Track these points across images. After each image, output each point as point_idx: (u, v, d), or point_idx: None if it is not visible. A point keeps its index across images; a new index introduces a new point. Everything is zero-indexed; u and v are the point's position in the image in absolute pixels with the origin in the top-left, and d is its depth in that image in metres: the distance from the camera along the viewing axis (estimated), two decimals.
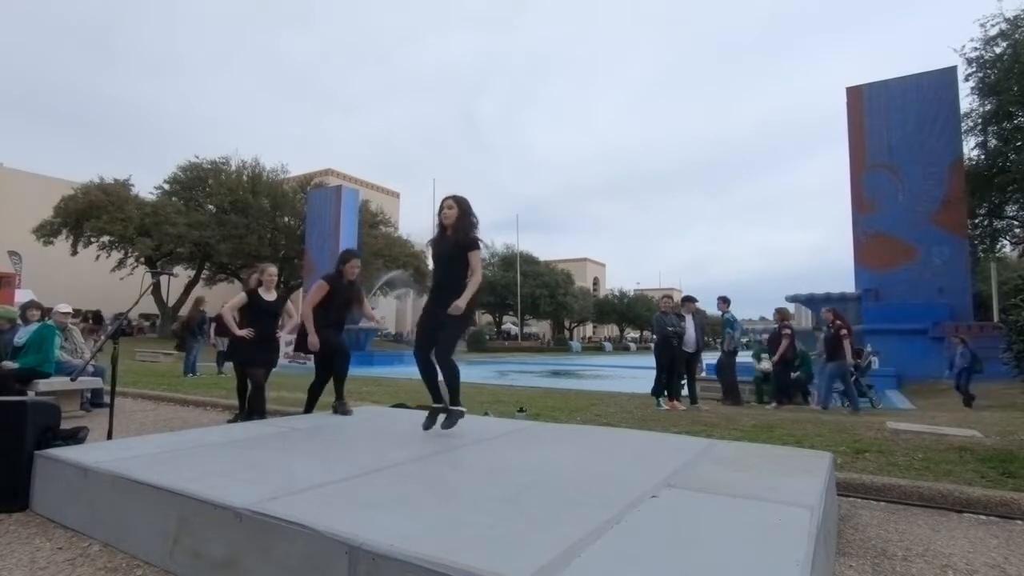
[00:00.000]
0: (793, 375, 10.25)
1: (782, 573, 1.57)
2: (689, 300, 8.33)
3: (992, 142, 17.71)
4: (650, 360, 8.61)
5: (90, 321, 29.80)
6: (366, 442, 3.60)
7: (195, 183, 34.41)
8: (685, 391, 8.23)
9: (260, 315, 5.12)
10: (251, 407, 5.14)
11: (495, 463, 3.01)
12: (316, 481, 2.45)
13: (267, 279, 5.22)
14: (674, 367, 7.66)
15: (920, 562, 2.47)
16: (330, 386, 4.93)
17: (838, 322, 7.94)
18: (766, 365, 10.48)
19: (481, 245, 3.85)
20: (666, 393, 7.57)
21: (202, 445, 3.29)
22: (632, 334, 73.68)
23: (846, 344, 7.70)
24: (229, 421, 5.68)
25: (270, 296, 5.23)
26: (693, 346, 7.95)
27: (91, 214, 29.57)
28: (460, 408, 3.79)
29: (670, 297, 8.45)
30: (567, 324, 62.24)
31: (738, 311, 8.62)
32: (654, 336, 8.10)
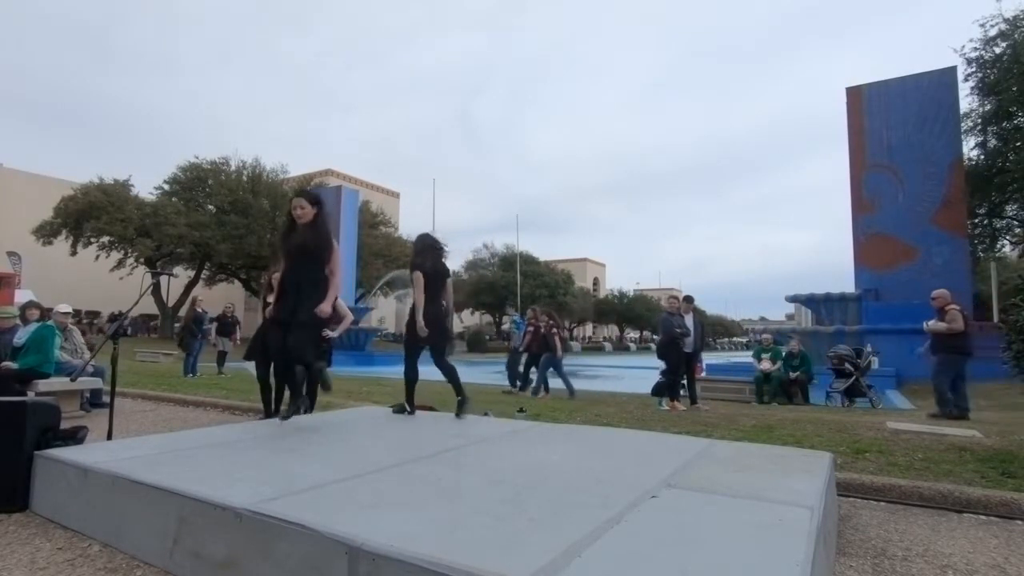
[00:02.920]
0: (792, 375, 10.33)
1: (782, 573, 1.57)
2: (688, 300, 8.38)
3: (992, 142, 17.75)
4: (650, 360, 8.64)
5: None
6: (366, 442, 3.60)
7: (195, 183, 34.33)
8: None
9: None
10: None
11: (495, 463, 3.00)
12: (316, 481, 2.45)
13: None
14: (678, 368, 7.69)
15: (920, 562, 2.47)
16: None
17: (551, 322, 9.85)
18: (766, 365, 10.53)
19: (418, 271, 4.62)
20: (667, 394, 7.60)
21: (202, 445, 3.29)
22: (632, 334, 73.64)
23: (556, 340, 9.55)
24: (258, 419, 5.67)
25: None
26: (691, 346, 7.99)
27: (91, 214, 29.53)
28: (461, 397, 4.59)
29: (676, 297, 8.48)
30: (567, 324, 62.28)
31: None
32: (657, 336, 8.12)
